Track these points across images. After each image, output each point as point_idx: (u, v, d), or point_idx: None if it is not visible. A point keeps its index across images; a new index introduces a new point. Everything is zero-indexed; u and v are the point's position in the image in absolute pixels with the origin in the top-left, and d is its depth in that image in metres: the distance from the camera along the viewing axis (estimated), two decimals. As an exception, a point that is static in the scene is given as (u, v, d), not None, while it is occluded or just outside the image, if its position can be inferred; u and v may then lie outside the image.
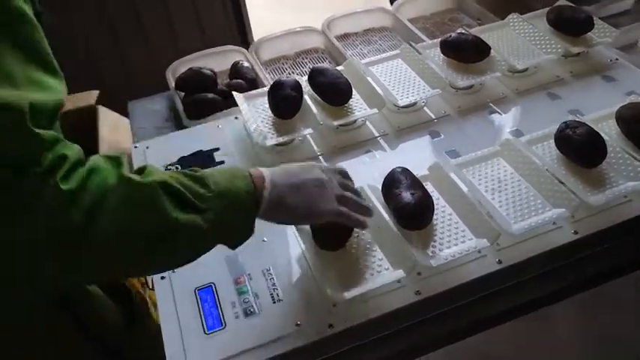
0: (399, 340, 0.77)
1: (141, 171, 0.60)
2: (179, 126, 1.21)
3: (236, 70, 1.29)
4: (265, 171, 0.69)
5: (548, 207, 0.83)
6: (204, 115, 1.16)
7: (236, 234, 0.67)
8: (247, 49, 1.38)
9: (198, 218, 0.59)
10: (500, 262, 0.79)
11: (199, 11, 2.34)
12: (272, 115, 1.04)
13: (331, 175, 0.75)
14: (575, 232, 0.82)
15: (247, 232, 0.67)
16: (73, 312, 0.72)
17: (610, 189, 0.84)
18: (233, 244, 0.68)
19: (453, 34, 1.12)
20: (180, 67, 1.32)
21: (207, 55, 1.37)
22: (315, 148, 1.04)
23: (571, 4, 1.20)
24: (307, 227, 0.81)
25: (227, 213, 0.62)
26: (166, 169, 1.01)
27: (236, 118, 1.12)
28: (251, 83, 1.26)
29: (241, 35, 2.60)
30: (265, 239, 0.86)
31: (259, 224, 0.68)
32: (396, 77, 1.13)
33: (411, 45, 1.16)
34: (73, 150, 0.54)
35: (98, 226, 0.52)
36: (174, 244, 0.59)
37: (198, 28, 2.43)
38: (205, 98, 1.18)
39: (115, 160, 0.57)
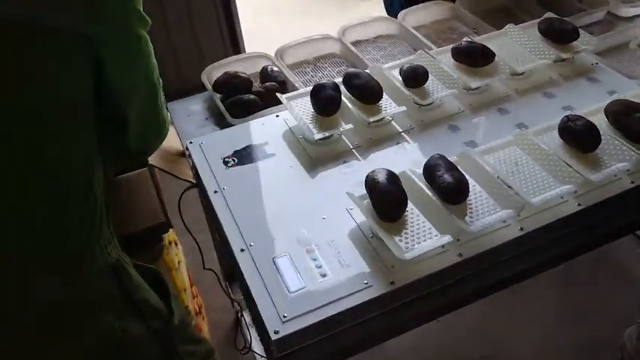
0: (445, 293, 0.94)
1: None
2: (220, 124, 1.35)
3: (267, 74, 1.44)
4: None
5: (556, 184, 1.02)
6: (246, 114, 1.30)
7: None
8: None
9: None
10: (522, 229, 0.98)
11: (195, 26, 2.51)
12: (313, 112, 1.20)
13: None
14: (579, 205, 1.01)
15: None
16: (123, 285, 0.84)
17: (605, 169, 1.04)
18: None
19: (463, 43, 1.30)
20: (214, 71, 1.46)
21: (236, 60, 1.51)
22: (352, 141, 1.20)
23: (558, 16, 1.41)
24: (365, 203, 0.97)
25: None
26: (224, 162, 1.16)
27: (277, 116, 1.28)
28: (282, 85, 1.41)
29: (233, 46, 2.75)
30: (325, 217, 1.02)
31: (319, 203, 0.84)
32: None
33: (426, 52, 1.34)
34: None
35: None
36: None
37: (193, 41, 2.59)
38: (247, 99, 1.33)
39: None
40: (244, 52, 2.70)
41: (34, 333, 0.77)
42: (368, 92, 1.20)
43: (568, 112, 1.15)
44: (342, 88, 1.23)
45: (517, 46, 1.38)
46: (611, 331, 1.77)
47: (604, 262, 1.99)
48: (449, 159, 1.02)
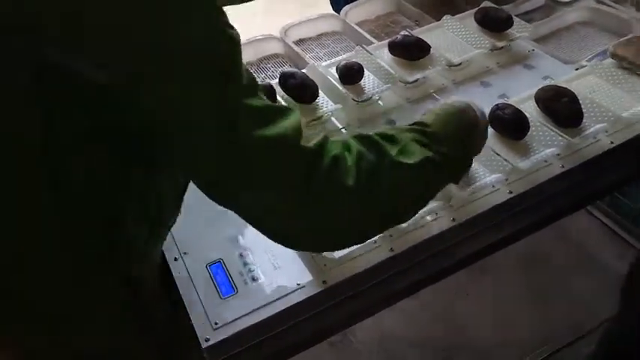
0: (378, 290, 0.94)
1: (402, 150, 0.71)
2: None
3: (208, 78, 1.43)
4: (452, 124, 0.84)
5: (487, 173, 1.03)
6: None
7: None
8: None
9: (446, 176, 0.77)
10: (454, 220, 0.98)
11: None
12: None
13: None
14: (510, 192, 1.02)
15: (468, 162, 0.84)
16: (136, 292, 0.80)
17: (534, 156, 1.05)
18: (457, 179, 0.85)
19: (399, 37, 1.31)
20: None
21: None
22: (290, 141, 1.20)
23: (494, 4, 1.42)
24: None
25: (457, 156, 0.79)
26: None
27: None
28: (223, 89, 1.40)
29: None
30: (259, 220, 1.02)
31: None
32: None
33: (363, 47, 1.34)
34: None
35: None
36: (431, 195, 0.77)
37: None
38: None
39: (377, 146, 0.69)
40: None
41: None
42: (303, 92, 1.20)
43: (503, 100, 1.17)
44: (279, 89, 1.23)
45: (454, 37, 1.39)
46: (573, 314, 1.81)
47: (565, 243, 2.02)
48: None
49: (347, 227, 0.69)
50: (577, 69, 1.31)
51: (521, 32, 1.37)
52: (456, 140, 0.80)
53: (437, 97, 1.27)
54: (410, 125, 0.80)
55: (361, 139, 0.71)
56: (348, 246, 0.73)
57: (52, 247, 0.69)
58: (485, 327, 1.81)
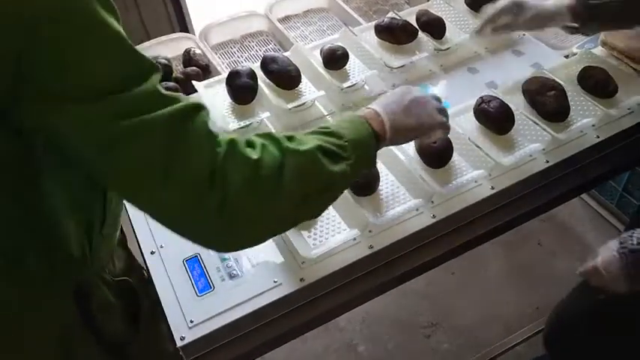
0: (357, 286, 0.94)
1: (292, 139, 0.70)
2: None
3: (189, 58, 1.39)
4: (378, 108, 0.80)
5: (470, 169, 1.02)
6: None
7: (367, 169, 0.79)
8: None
9: (344, 166, 0.72)
10: (434, 216, 0.97)
11: (139, 5, 2.37)
12: (230, 100, 1.17)
13: (423, 91, 0.88)
14: (492, 188, 1.01)
15: (373, 163, 0.79)
16: (84, 305, 0.76)
17: (518, 151, 1.03)
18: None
19: (386, 19, 1.27)
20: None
21: (158, 43, 1.46)
22: (272, 128, 1.17)
23: (484, -14, 1.37)
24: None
25: (360, 155, 0.75)
26: None
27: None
28: (205, 69, 1.37)
29: (180, 25, 2.63)
30: (238, 213, 1.00)
31: None
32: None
33: (349, 30, 1.30)
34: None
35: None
36: (332, 193, 0.73)
37: (138, 19, 2.45)
38: (166, 87, 1.28)
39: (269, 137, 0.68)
40: (193, 32, 2.60)
41: None
42: (285, 78, 1.16)
43: (490, 90, 1.15)
44: (260, 72, 1.20)
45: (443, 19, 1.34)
46: (557, 294, 1.82)
47: (550, 224, 2.03)
48: (361, 148, 1.00)
49: (255, 219, 0.65)
50: (566, 56, 1.28)
51: (511, 16, 1.33)
52: (356, 134, 0.76)
53: (428, 84, 1.24)
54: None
55: (262, 135, 0.69)
56: (261, 241, 0.69)
57: None
58: (469, 306, 1.83)
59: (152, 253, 0.95)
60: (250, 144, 0.66)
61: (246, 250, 0.92)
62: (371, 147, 0.78)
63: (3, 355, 0.75)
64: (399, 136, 0.82)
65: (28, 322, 0.74)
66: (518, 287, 1.88)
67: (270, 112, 1.14)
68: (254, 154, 0.64)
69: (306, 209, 0.71)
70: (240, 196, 0.61)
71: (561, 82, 1.10)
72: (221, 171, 0.60)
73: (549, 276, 1.89)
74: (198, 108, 0.62)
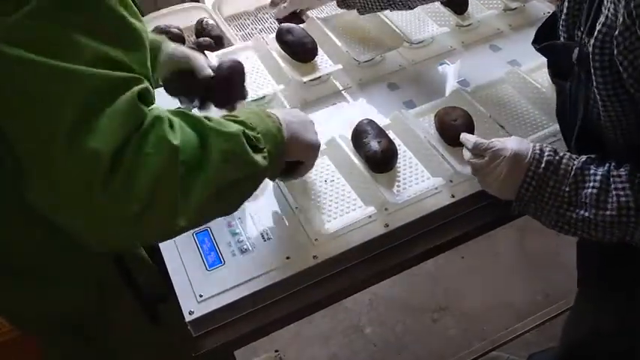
0: (371, 265, 0.91)
1: (212, 119, 0.64)
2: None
3: (202, 28, 1.35)
4: (277, 112, 0.77)
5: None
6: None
7: (278, 166, 0.76)
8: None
9: (262, 157, 0.68)
10: (453, 196, 0.94)
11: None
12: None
13: None
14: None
15: (282, 163, 0.76)
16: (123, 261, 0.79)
17: (542, 130, 0.99)
18: (274, 176, 0.79)
19: (405, -7, 1.22)
20: (146, 25, 1.37)
21: (169, 13, 1.41)
22: (286, 102, 1.13)
23: (510, -40, 1.32)
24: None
25: (273, 148, 0.71)
26: None
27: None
28: (217, 41, 1.33)
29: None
30: (250, 187, 0.97)
31: None
32: (355, 33, 1.23)
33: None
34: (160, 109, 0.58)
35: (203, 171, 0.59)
36: (253, 182, 0.69)
37: None
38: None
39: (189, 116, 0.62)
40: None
41: None
42: (301, 50, 1.13)
43: (514, 67, 1.11)
44: (275, 44, 1.16)
45: (465, -6, 1.30)
46: (567, 283, 1.79)
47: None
48: (378, 124, 0.97)
49: (165, 210, 0.57)
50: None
51: (536, -8, 1.28)
52: (265, 127, 0.73)
53: (447, 61, 1.20)
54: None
55: (180, 114, 0.63)
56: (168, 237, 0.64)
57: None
58: (477, 291, 1.81)
59: (161, 225, 0.93)
60: (170, 124, 0.58)
61: (258, 224, 0.91)
62: (281, 144, 0.74)
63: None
64: (294, 148, 0.77)
65: (65, 269, 0.75)
66: (528, 274, 1.85)
67: (284, 85, 1.10)
68: (174, 139, 0.57)
69: (224, 200, 0.65)
70: (151, 183, 0.54)
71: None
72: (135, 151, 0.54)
73: (561, 263, 1.86)
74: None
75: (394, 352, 1.68)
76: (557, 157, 0.78)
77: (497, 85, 1.09)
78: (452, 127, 0.97)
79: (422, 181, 0.94)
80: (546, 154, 0.79)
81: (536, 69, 1.10)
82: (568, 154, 0.79)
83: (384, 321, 1.75)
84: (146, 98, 0.58)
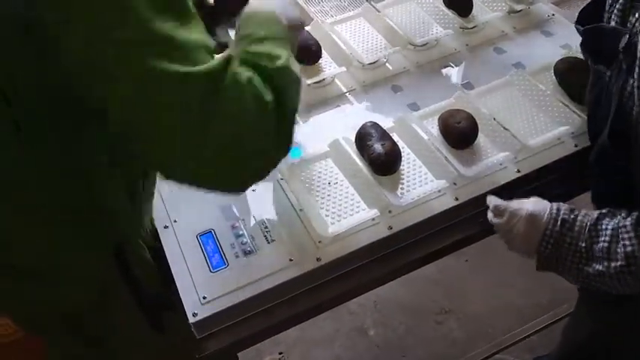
0: (375, 268, 0.91)
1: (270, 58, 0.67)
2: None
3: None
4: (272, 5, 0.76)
5: (496, 151, 0.98)
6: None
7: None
8: None
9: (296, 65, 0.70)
10: (457, 199, 0.94)
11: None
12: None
13: None
14: (518, 171, 0.97)
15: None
16: (123, 260, 0.79)
17: (546, 133, 0.99)
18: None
19: (410, -5, 1.22)
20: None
21: None
22: (290, 104, 1.14)
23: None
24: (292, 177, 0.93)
25: (292, 49, 0.72)
26: None
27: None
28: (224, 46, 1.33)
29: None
30: (254, 189, 0.97)
31: None
32: (359, 36, 1.24)
33: (372, 5, 1.26)
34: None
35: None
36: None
37: None
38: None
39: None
40: None
41: None
42: (304, 52, 1.13)
43: (518, 69, 1.11)
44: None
45: (470, -4, 1.30)
46: (569, 287, 1.78)
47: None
48: (382, 126, 0.97)
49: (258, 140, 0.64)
50: (598, 38, 1.23)
51: (541, -6, 1.28)
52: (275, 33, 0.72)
53: (451, 64, 1.20)
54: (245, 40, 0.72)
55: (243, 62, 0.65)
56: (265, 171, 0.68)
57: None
58: (481, 294, 1.80)
59: (165, 227, 0.93)
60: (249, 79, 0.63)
61: (262, 225, 0.91)
62: (293, 45, 0.75)
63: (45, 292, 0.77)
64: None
65: (66, 269, 0.76)
66: (532, 276, 1.83)
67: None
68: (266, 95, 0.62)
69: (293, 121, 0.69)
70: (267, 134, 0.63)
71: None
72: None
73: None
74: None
75: (398, 354, 1.68)
76: (572, 215, 0.80)
77: (502, 87, 1.09)
78: (456, 130, 0.97)
79: (425, 183, 0.94)
80: (562, 212, 0.81)
81: (540, 72, 1.10)
82: (583, 211, 0.81)
83: (388, 323, 1.75)
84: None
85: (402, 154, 0.96)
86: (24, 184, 0.67)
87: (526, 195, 0.93)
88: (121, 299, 0.81)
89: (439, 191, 0.94)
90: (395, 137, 0.99)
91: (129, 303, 0.83)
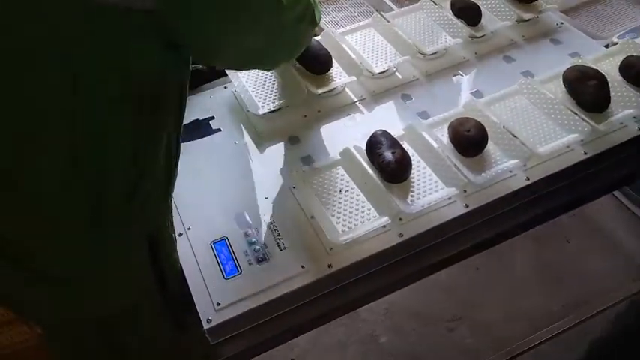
0: (386, 275, 0.92)
1: None
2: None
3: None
4: None
5: (505, 159, 0.99)
6: (192, 86, 1.25)
7: None
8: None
9: None
10: (467, 206, 0.95)
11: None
12: (260, 83, 1.16)
13: None
14: (527, 179, 0.98)
15: None
16: (155, 250, 0.81)
17: (555, 141, 1.00)
18: None
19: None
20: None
21: None
22: (301, 113, 1.15)
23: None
24: (303, 184, 0.94)
25: None
26: None
27: (225, 87, 1.23)
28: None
29: None
30: (267, 197, 0.99)
31: (262, 182, 0.86)
32: (369, 45, 1.25)
33: (381, 15, 1.27)
34: None
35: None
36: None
37: None
38: (194, 69, 1.27)
39: None
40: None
41: None
42: (315, 62, 1.15)
43: (527, 77, 1.12)
44: (291, 57, 1.18)
45: (479, 5, 1.31)
46: (584, 293, 1.78)
47: (578, 220, 1.98)
48: (392, 135, 0.98)
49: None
50: (606, 46, 1.24)
51: (550, 4, 1.29)
52: None
53: (461, 72, 1.21)
54: None
55: None
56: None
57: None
58: (492, 301, 1.80)
59: (180, 234, 0.95)
60: None
61: (275, 233, 0.93)
62: None
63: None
64: None
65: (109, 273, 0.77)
66: (544, 284, 1.84)
67: (299, 97, 1.12)
68: None
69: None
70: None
71: (602, 72, 1.07)
72: None
73: (577, 273, 1.85)
74: None
75: (409, 361, 1.68)
76: None
77: (511, 96, 1.10)
78: (465, 138, 0.98)
79: (436, 191, 0.95)
80: None
81: (549, 80, 1.11)
82: None
83: (400, 330, 1.76)
84: None
85: (413, 162, 0.97)
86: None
87: (534, 202, 0.94)
88: (152, 299, 0.83)
89: (449, 199, 0.95)
90: (405, 145, 1.00)
91: (158, 303, 0.84)
